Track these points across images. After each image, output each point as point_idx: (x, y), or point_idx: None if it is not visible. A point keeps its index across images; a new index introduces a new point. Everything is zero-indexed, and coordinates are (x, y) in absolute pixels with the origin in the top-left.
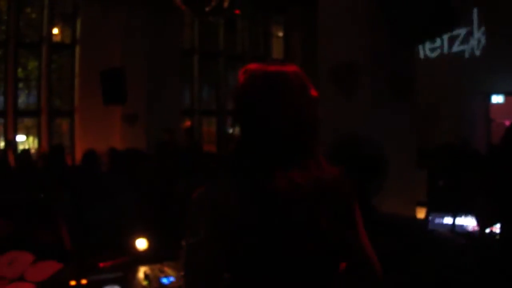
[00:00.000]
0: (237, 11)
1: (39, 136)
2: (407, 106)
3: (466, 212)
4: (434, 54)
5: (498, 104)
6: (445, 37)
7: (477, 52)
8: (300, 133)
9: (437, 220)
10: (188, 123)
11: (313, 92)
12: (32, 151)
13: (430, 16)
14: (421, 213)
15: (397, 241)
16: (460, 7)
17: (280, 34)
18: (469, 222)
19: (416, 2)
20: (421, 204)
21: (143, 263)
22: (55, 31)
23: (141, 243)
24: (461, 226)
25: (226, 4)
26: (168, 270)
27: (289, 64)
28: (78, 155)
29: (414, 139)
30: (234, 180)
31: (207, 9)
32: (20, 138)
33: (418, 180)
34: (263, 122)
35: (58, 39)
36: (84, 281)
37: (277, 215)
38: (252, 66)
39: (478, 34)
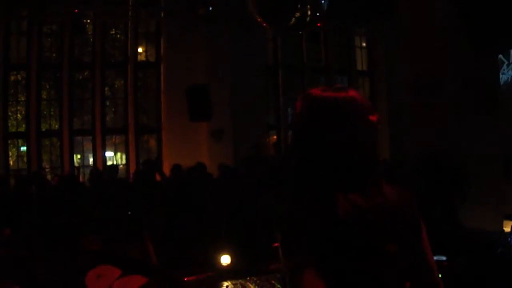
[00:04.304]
0: (319, 24)
1: (127, 153)
2: (492, 116)
3: None
4: None
5: None
6: None
7: None
8: (358, 158)
9: None
10: (274, 137)
11: (372, 117)
12: (120, 167)
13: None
14: (508, 227)
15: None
16: None
17: (364, 44)
18: None
19: (497, 12)
20: (509, 218)
21: (226, 278)
22: (140, 50)
23: (225, 259)
24: None
25: (308, 18)
26: (250, 285)
27: (348, 89)
28: (166, 171)
29: (501, 150)
30: (303, 204)
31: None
32: (109, 154)
33: (507, 192)
34: (319, 148)
35: (142, 58)
36: None
37: (346, 239)
38: (310, 92)
39: None
